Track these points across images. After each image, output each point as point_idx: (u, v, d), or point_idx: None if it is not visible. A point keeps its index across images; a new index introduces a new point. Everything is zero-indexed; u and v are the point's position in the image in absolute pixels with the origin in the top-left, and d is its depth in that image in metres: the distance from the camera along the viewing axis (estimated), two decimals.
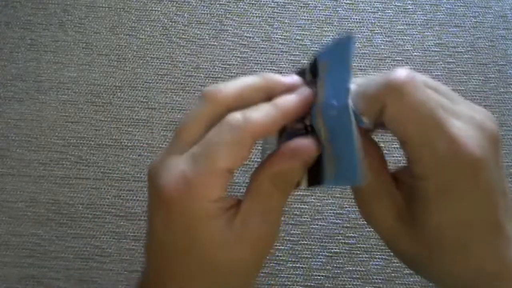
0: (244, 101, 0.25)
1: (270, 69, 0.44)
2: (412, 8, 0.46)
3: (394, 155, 0.43)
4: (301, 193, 0.42)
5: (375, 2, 0.46)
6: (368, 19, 0.46)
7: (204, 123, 0.25)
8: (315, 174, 0.25)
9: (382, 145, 0.44)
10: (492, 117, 0.25)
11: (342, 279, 0.40)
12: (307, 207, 0.41)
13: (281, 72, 0.44)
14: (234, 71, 0.44)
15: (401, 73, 0.23)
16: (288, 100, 0.25)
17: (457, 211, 0.23)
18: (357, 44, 0.45)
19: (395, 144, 0.43)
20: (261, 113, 0.24)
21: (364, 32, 0.46)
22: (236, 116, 0.24)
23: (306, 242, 0.41)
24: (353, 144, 0.23)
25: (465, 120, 0.23)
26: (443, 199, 0.23)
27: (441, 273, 0.25)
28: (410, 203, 0.25)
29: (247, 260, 0.25)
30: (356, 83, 0.25)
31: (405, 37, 0.46)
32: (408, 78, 0.22)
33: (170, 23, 0.45)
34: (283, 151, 0.24)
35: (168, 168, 0.24)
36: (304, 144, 0.24)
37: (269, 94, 0.25)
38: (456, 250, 0.24)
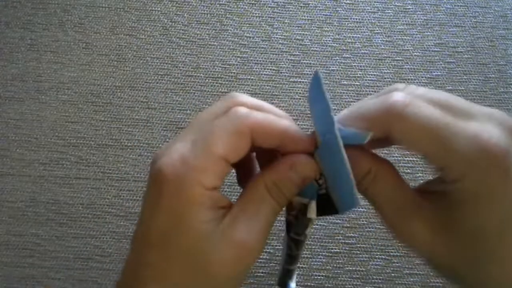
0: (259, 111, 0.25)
1: (270, 69, 0.44)
2: (412, 8, 0.46)
3: (394, 155, 0.43)
4: None
5: (375, 2, 0.46)
6: (368, 19, 0.46)
7: (215, 115, 0.25)
8: (325, 205, 0.26)
9: None
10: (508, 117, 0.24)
11: (342, 279, 0.40)
12: None
13: (281, 72, 0.44)
14: (234, 71, 0.44)
15: (399, 96, 0.23)
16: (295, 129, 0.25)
17: (495, 210, 0.22)
18: (357, 44, 0.45)
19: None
20: (266, 116, 0.24)
21: (364, 32, 0.46)
22: (242, 109, 0.24)
23: (306, 242, 0.41)
24: (347, 172, 0.23)
25: (482, 119, 0.23)
26: (479, 199, 0.22)
27: (489, 280, 0.23)
28: (444, 213, 0.24)
29: (226, 264, 0.24)
30: (355, 106, 0.25)
31: (405, 37, 0.46)
32: (407, 100, 0.22)
33: (170, 23, 0.45)
34: (283, 161, 0.25)
35: (169, 152, 0.24)
36: (303, 159, 0.25)
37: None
38: (500, 252, 0.22)
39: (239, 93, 0.26)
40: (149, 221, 0.24)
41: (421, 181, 0.42)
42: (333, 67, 0.45)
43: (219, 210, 0.24)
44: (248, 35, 0.45)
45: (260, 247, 0.25)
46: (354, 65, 0.45)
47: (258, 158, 0.28)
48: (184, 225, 0.23)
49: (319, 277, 0.40)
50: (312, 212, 0.26)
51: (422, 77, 0.45)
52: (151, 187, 0.24)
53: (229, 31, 0.45)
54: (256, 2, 0.46)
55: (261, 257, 0.40)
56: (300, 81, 0.44)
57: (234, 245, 0.24)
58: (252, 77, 0.44)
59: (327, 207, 0.26)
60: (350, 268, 0.40)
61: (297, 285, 0.40)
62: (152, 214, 0.24)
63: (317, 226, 0.41)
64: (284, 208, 0.26)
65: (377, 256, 0.41)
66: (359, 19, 0.46)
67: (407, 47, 0.45)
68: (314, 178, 0.25)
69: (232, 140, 0.23)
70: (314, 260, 0.40)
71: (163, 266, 0.24)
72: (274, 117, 0.25)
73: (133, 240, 0.25)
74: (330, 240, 0.41)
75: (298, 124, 0.40)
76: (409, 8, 0.46)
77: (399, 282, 0.40)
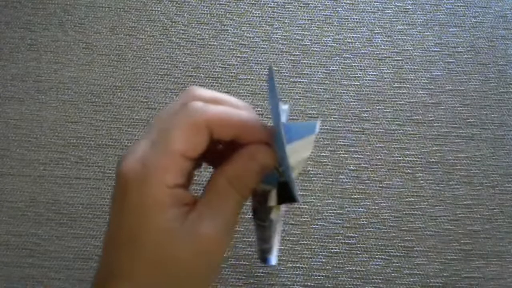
0: (217, 104, 0.25)
1: None
2: (412, 8, 0.46)
3: (394, 155, 0.43)
4: (301, 193, 0.42)
5: (375, 2, 0.46)
6: (368, 19, 0.46)
7: (173, 111, 0.25)
8: (284, 193, 0.26)
9: (381, 145, 0.44)
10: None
11: (342, 279, 0.40)
12: (307, 207, 0.41)
13: (281, 72, 0.44)
14: (234, 71, 0.44)
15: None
16: (249, 115, 0.25)
17: None
18: (357, 44, 0.45)
19: (395, 144, 0.43)
20: (222, 108, 0.24)
21: (364, 32, 0.46)
22: (197, 103, 0.24)
23: (306, 242, 0.41)
24: (287, 168, 0.24)
25: None
26: None
27: None
28: None
29: (194, 261, 0.24)
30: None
31: (405, 37, 0.46)
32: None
33: (170, 23, 0.45)
34: (241, 152, 0.25)
35: (131, 153, 0.24)
36: (261, 148, 0.25)
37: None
38: None
39: (197, 87, 0.26)
40: (116, 222, 0.25)
41: (421, 181, 0.42)
42: (333, 67, 0.45)
43: (183, 207, 0.24)
44: (248, 35, 0.45)
45: (228, 239, 0.25)
46: (354, 65, 0.45)
47: (224, 153, 0.28)
48: (148, 224, 0.23)
49: (319, 277, 0.40)
50: (272, 200, 0.27)
51: (422, 77, 0.45)
52: (116, 189, 0.25)
53: (229, 31, 0.45)
54: (256, 2, 0.46)
55: None
56: (300, 81, 0.44)
57: (201, 240, 0.24)
58: (252, 77, 0.44)
59: (286, 195, 0.26)
60: (350, 268, 0.40)
61: (297, 285, 0.40)
62: (118, 215, 0.24)
63: (317, 226, 0.41)
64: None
65: (377, 256, 0.41)
66: (359, 19, 0.46)
67: (407, 47, 0.45)
68: (274, 166, 0.26)
69: (189, 135, 0.24)
70: (314, 260, 0.41)
71: (132, 265, 0.24)
72: (231, 109, 0.25)
73: (104, 241, 0.26)
74: (330, 240, 0.41)
75: None
76: (409, 8, 0.46)
77: (399, 282, 0.40)
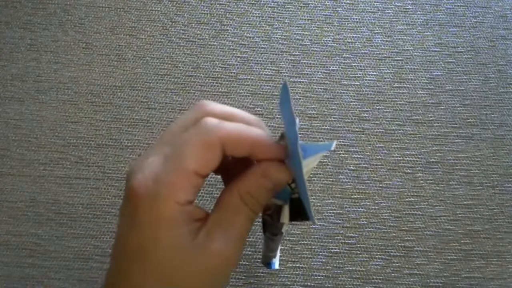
0: (229, 120, 0.25)
1: (270, 69, 0.44)
2: (412, 8, 0.46)
3: (394, 155, 0.43)
4: None
5: (375, 2, 0.46)
6: (368, 19, 0.46)
7: (185, 126, 0.25)
8: (297, 210, 0.26)
9: (381, 145, 0.44)
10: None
11: (342, 279, 0.40)
12: None
13: (281, 72, 0.44)
14: (234, 71, 0.44)
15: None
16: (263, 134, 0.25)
17: None
18: (357, 44, 0.45)
19: (395, 144, 0.43)
20: (236, 126, 0.24)
21: (364, 32, 0.46)
22: (211, 120, 0.24)
23: (306, 242, 0.41)
24: (305, 188, 0.24)
25: None
26: None
27: None
28: None
29: (204, 277, 0.24)
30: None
31: (405, 37, 0.46)
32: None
33: (170, 23, 0.45)
34: (254, 169, 0.25)
35: (142, 168, 0.24)
36: (274, 165, 0.25)
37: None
38: None
39: (209, 101, 0.26)
40: (126, 237, 0.25)
41: (421, 181, 0.42)
42: (333, 67, 0.45)
43: (194, 223, 0.24)
44: (248, 35, 0.45)
45: (237, 255, 0.25)
46: (354, 65, 0.45)
47: (234, 164, 0.28)
48: (159, 240, 0.24)
49: (319, 277, 0.40)
50: (285, 217, 0.27)
51: (422, 77, 0.45)
52: (127, 204, 0.25)
53: (229, 31, 0.45)
54: (256, 2, 0.46)
55: (260, 257, 0.40)
56: (300, 81, 0.44)
57: (211, 256, 0.24)
58: (252, 77, 0.44)
59: (299, 212, 0.26)
60: (350, 268, 0.40)
61: (297, 285, 0.40)
62: (128, 230, 0.24)
63: (317, 226, 0.41)
64: None
65: (377, 256, 0.41)
66: (359, 19, 0.46)
67: (407, 47, 0.45)
68: (287, 183, 0.26)
69: (202, 153, 0.24)
70: (314, 260, 0.40)
71: (141, 280, 0.24)
72: (245, 126, 0.25)
73: (112, 254, 0.26)
74: (330, 240, 0.41)
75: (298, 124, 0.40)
76: (409, 8, 0.46)
77: (399, 282, 0.40)
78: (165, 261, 0.24)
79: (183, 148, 0.24)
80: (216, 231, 0.24)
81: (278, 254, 0.33)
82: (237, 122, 0.25)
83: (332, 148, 0.24)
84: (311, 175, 0.42)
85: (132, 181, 0.24)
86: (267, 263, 0.33)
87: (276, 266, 0.34)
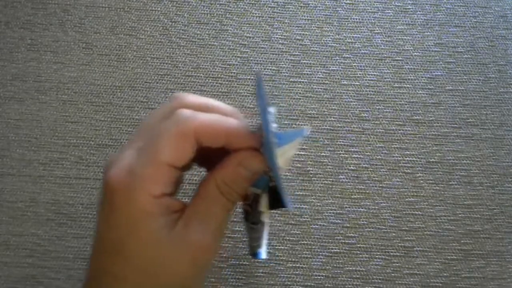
0: (205, 111, 0.25)
1: (270, 69, 0.44)
2: (412, 8, 0.46)
3: (394, 155, 0.43)
4: (301, 193, 0.42)
5: (375, 2, 0.46)
6: (368, 19, 0.46)
7: (160, 118, 0.25)
8: (275, 198, 0.26)
9: (381, 145, 0.44)
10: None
11: (342, 279, 0.40)
12: (307, 207, 0.41)
13: (281, 72, 0.44)
14: (234, 71, 0.44)
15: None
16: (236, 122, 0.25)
17: None
18: (357, 44, 0.45)
19: (395, 144, 0.43)
20: (210, 116, 0.24)
21: (364, 32, 0.46)
22: (186, 111, 0.24)
23: (306, 242, 0.41)
24: (277, 176, 0.24)
25: None
26: None
27: None
28: None
29: (184, 268, 0.24)
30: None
31: (405, 37, 0.46)
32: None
33: (170, 23, 0.45)
34: (230, 159, 0.25)
35: (117, 162, 0.24)
36: (249, 154, 0.25)
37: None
38: None
39: (185, 93, 0.26)
40: (104, 233, 0.25)
41: (421, 181, 0.42)
42: (333, 67, 0.45)
43: (172, 214, 0.24)
44: (248, 35, 0.45)
45: (216, 244, 0.25)
46: (354, 65, 0.45)
47: (218, 158, 0.28)
48: (136, 234, 0.23)
49: (319, 277, 0.40)
50: (263, 205, 0.27)
51: (422, 77, 0.45)
52: (103, 199, 0.25)
53: (229, 31, 0.45)
54: (256, 2, 0.46)
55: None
56: (300, 81, 0.44)
57: (189, 247, 0.24)
58: (252, 77, 0.44)
59: (278, 200, 0.26)
60: (350, 268, 0.40)
61: (297, 285, 0.40)
62: (106, 225, 0.24)
63: (317, 226, 0.41)
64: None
65: (377, 256, 0.41)
66: (359, 19, 0.46)
67: (407, 47, 0.45)
68: (264, 171, 0.26)
69: (176, 145, 0.23)
70: (314, 260, 0.40)
71: (122, 274, 0.24)
72: (219, 116, 0.25)
73: (92, 249, 0.26)
74: (330, 240, 0.41)
75: (298, 124, 0.40)
76: (409, 8, 0.46)
77: (399, 282, 0.40)
78: (144, 254, 0.24)
79: (156, 140, 0.24)
80: (193, 221, 0.24)
81: (265, 243, 0.33)
82: (213, 113, 0.25)
83: (306, 134, 0.24)
84: (311, 175, 0.42)
85: (107, 175, 0.24)
86: (254, 254, 0.34)
87: (264, 255, 0.34)
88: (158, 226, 0.23)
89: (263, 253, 0.34)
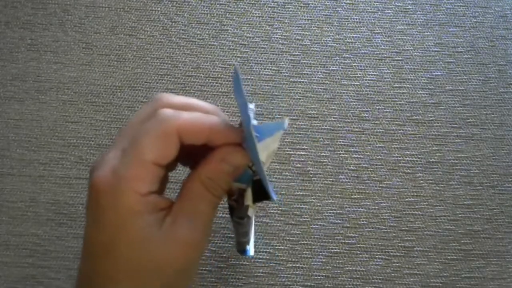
0: (187, 110, 0.25)
1: (270, 69, 0.44)
2: (412, 8, 0.46)
3: (394, 155, 0.43)
4: (301, 193, 0.42)
5: (375, 2, 0.46)
6: (368, 19, 0.46)
7: (142, 119, 0.25)
8: (259, 191, 0.27)
9: (381, 145, 0.44)
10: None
11: (342, 279, 0.40)
12: (307, 207, 0.41)
13: (281, 72, 0.44)
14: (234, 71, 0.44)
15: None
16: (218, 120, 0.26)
17: None
18: (357, 44, 0.45)
19: (395, 144, 0.43)
20: (191, 115, 0.25)
21: (364, 32, 0.46)
22: (167, 111, 0.25)
23: (306, 242, 0.41)
24: (261, 168, 0.24)
25: None
26: None
27: None
28: None
29: (173, 264, 0.25)
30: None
31: (405, 37, 0.46)
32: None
33: (170, 23, 0.45)
34: (213, 155, 0.25)
35: (102, 163, 0.25)
36: (232, 149, 0.25)
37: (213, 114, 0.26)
38: None
39: (166, 93, 0.26)
40: (92, 234, 0.25)
41: (421, 181, 0.42)
42: (333, 67, 0.45)
43: (159, 212, 0.24)
44: (248, 35, 0.45)
45: (204, 240, 0.26)
46: (354, 65, 0.45)
47: (194, 153, 0.28)
48: (125, 233, 0.24)
49: (319, 277, 0.40)
50: (248, 199, 0.27)
51: (422, 77, 0.45)
52: (90, 201, 0.25)
53: (229, 31, 0.45)
54: (256, 2, 0.46)
55: (260, 257, 0.40)
56: (300, 81, 0.44)
57: (178, 243, 0.24)
58: (252, 77, 0.44)
59: (261, 193, 0.27)
60: (350, 268, 0.40)
61: (297, 285, 0.40)
62: (94, 227, 0.25)
63: (317, 226, 0.41)
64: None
65: (377, 256, 0.41)
66: (359, 19, 0.46)
67: (407, 47, 0.45)
68: (247, 165, 0.26)
69: (159, 143, 0.24)
70: (314, 260, 0.41)
71: (112, 274, 0.24)
72: (200, 114, 0.25)
73: (83, 250, 0.26)
74: (330, 240, 0.41)
75: (298, 124, 0.40)
76: (409, 8, 0.46)
77: (399, 282, 0.40)
78: (133, 252, 0.24)
79: (140, 140, 0.24)
80: (180, 218, 0.25)
81: (252, 240, 0.34)
82: (194, 111, 0.25)
83: (286, 127, 0.24)
84: (311, 175, 0.42)
85: (92, 177, 0.24)
86: (242, 250, 0.34)
87: (251, 253, 0.35)
88: (146, 224, 0.24)
89: (251, 250, 0.35)
